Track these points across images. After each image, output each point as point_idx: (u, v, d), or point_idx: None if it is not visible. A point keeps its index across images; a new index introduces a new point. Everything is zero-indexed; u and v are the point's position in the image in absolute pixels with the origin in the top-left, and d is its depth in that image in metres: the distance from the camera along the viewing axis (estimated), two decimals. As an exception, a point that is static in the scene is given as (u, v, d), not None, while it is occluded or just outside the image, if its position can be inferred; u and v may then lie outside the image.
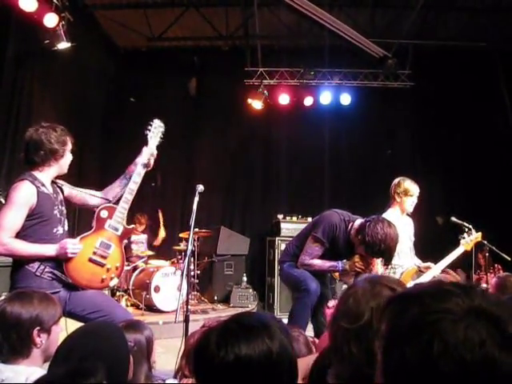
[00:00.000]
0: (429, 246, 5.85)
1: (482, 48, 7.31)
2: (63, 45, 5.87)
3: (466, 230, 5.49)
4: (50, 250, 2.69)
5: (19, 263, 2.68)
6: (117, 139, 8.41)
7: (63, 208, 2.89)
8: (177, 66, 8.37)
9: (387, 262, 3.46)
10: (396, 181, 4.31)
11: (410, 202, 4.25)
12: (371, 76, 7.95)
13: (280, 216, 7.68)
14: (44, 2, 5.47)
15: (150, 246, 7.48)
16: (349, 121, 7.97)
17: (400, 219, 4.21)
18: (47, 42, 5.83)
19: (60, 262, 2.71)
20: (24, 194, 2.63)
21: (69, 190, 3.01)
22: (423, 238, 6.11)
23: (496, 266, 6.49)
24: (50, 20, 5.58)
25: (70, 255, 2.69)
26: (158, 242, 7.59)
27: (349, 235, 3.69)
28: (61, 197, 2.92)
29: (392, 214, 4.15)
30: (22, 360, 1.79)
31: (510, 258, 5.56)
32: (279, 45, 7.87)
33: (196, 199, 3.23)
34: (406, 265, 4.22)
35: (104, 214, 2.91)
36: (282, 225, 7.50)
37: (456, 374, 0.71)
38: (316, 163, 8.38)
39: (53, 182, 2.90)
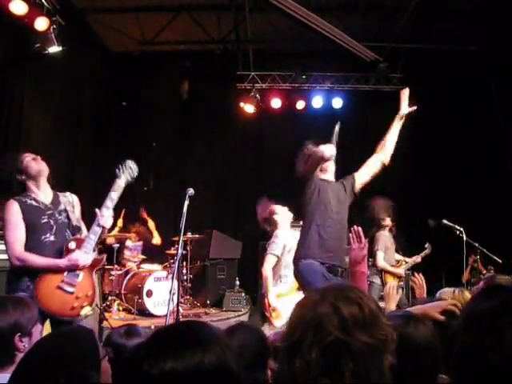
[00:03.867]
0: (421, 249, 5.89)
1: (473, 51, 7.36)
2: (54, 49, 5.85)
3: (458, 232, 5.55)
4: (60, 263, 3.00)
5: (13, 273, 3.02)
6: (109, 143, 8.39)
7: (61, 217, 3.14)
8: (169, 70, 8.36)
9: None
10: None
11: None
12: (363, 80, 7.99)
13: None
14: (34, 5, 5.46)
15: (148, 249, 7.48)
16: (340, 124, 7.97)
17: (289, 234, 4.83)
18: (38, 45, 5.81)
19: None
20: (12, 212, 3.02)
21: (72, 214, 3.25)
22: (417, 241, 6.16)
23: (489, 267, 6.54)
24: (41, 24, 5.56)
25: (81, 266, 3.04)
26: (157, 239, 7.56)
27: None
28: (62, 207, 3.18)
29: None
30: (7, 367, 1.75)
31: (500, 261, 5.61)
32: (271, 49, 7.89)
33: (186, 203, 3.23)
34: (290, 277, 4.56)
35: (72, 245, 3.10)
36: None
37: None
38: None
39: (57, 195, 3.22)
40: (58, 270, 2.99)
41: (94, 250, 3.14)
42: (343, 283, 1.48)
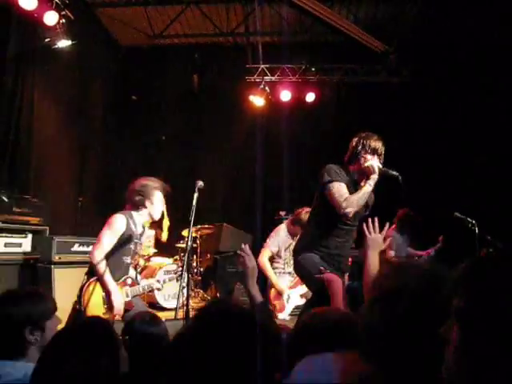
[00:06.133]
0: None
1: (483, 42, 7.25)
2: (64, 43, 5.86)
3: (470, 225, 5.50)
4: (112, 292, 3.40)
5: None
6: (119, 137, 8.42)
7: (139, 248, 3.78)
8: (178, 64, 8.35)
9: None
10: None
11: None
12: (373, 71, 7.91)
13: (283, 213, 7.66)
14: (44, 0, 5.47)
15: (157, 243, 7.46)
16: (350, 116, 7.93)
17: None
18: (48, 40, 5.82)
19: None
20: (118, 223, 3.52)
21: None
22: (431, 235, 6.11)
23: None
24: (50, 18, 5.57)
25: (115, 312, 3.43)
26: (164, 237, 7.50)
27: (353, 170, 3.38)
28: (143, 239, 3.84)
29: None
30: (18, 359, 1.76)
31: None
32: (280, 41, 7.84)
33: (195, 195, 3.22)
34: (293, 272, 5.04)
35: (128, 280, 3.79)
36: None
37: None
38: (318, 159, 8.32)
39: (145, 228, 3.81)
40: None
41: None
42: None
